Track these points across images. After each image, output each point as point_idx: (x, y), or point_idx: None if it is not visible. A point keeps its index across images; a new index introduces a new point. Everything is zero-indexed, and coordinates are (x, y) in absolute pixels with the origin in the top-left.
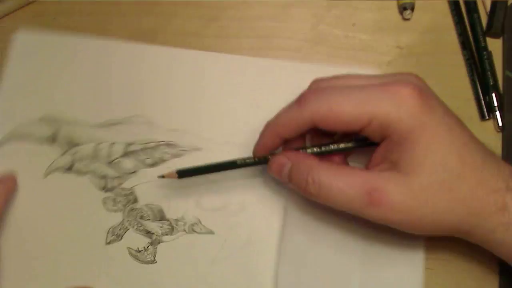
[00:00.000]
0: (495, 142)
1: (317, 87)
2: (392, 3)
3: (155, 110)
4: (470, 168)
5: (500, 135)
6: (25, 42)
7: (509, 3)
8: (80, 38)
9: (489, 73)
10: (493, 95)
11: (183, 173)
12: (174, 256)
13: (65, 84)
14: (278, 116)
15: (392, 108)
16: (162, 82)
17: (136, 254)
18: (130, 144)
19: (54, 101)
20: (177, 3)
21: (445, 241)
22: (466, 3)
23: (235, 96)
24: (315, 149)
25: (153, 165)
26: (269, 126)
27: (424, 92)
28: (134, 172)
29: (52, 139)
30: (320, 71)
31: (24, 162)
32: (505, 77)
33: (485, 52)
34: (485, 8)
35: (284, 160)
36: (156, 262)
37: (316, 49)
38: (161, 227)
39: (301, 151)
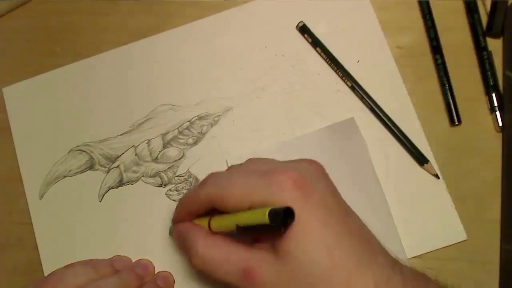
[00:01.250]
0: (495, 142)
1: (223, 171)
2: (392, 3)
3: (173, 93)
4: (340, 267)
5: (500, 135)
6: (15, 93)
7: (509, 3)
8: (65, 67)
9: (489, 73)
10: (493, 95)
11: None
12: None
13: (77, 110)
14: (185, 195)
15: (268, 196)
16: (167, 66)
17: None
18: (165, 134)
19: (74, 130)
20: (176, 3)
21: None
22: (466, 3)
23: (241, 47)
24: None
25: (196, 142)
26: (180, 204)
27: (304, 180)
28: (181, 156)
29: (91, 164)
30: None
31: (73, 197)
32: (505, 77)
33: (485, 52)
34: (485, 8)
35: (180, 229)
36: None
37: None
38: None
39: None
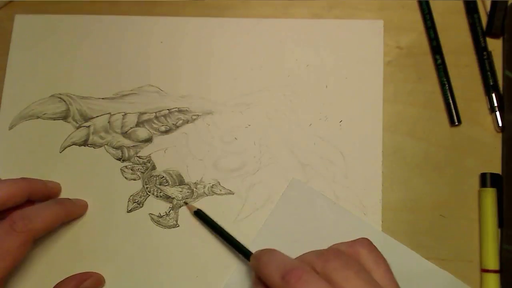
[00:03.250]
0: (495, 142)
1: (304, 274)
2: (392, 3)
3: (165, 78)
4: None
5: (500, 135)
6: (26, 24)
7: (509, 3)
8: (80, 16)
9: (489, 73)
10: (493, 95)
11: (198, 215)
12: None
13: (71, 61)
14: (266, 264)
15: None
16: (169, 50)
17: (158, 220)
18: (142, 113)
19: (62, 78)
20: (177, 3)
21: (445, 241)
22: (466, 3)
23: (240, 58)
24: None
25: (167, 132)
26: (257, 262)
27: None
28: (149, 140)
29: (65, 115)
30: (325, 27)
31: (39, 139)
32: (505, 77)
33: (485, 52)
34: (485, 8)
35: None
36: (178, 226)
37: None
38: (180, 191)
39: None
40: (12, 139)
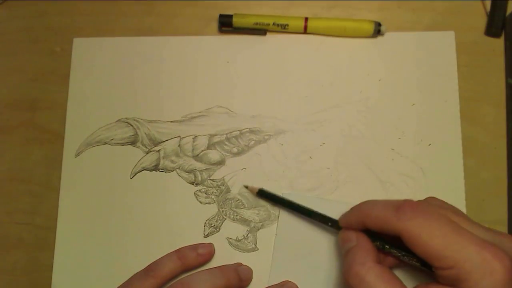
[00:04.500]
0: (495, 141)
1: (422, 205)
2: (392, 3)
3: (233, 99)
4: None
5: (500, 134)
6: (85, 47)
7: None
8: (142, 38)
9: None
10: None
11: (262, 194)
12: None
13: (135, 84)
14: (372, 207)
15: (478, 271)
16: (236, 70)
17: (237, 244)
18: (213, 135)
19: (127, 102)
20: (177, 3)
21: None
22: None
23: (309, 75)
24: (386, 246)
25: (239, 153)
26: (360, 210)
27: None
28: (221, 162)
29: (134, 140)
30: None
31: (107, 166)
32: (508, 85)
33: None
34: (485, 8)
35: (351, 238)
36: (258, 249)
37: None
38: (257, 213)
39: (370, 239)
40: (79, 167)
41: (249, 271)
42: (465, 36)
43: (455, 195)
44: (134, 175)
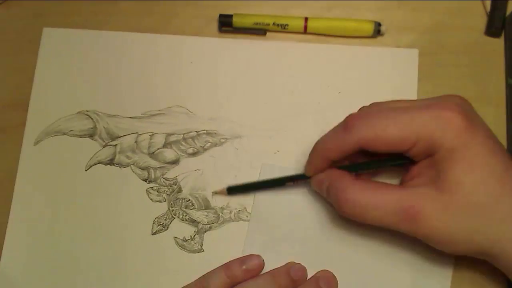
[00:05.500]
0: None
1: (361, 112)
2: (392, 3)
3: (193, 99)
4: (509, 194)
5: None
6: (54, 37)
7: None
8: (110, 32)
9: None
10: None
11: (232, 190)
12: (222, 244)
13: (99, 78)
14: (325, 140)
15: (437, 129)
16: (199, 71)
17: (183, 244)
18: (170, 134)
19: (90, 95)
20: (177, 3)
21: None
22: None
23: (271, 82)
24: (354, 167)
25: (194, 154)
26: (317, 149)
27: (469, 113)
28: (176, 162)
29: (92, 132)
30: (358, 53)
31: (64, 156)
32: (508, 85)
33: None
34: (485, 8)
35: (322, 178)
36: (203, 251)
37: None
38: (206, 215)
39: (339, 168)
40: (37, 155)
41: (302, 271)
42: (465, 36)
43: None
44: (89, 168)
